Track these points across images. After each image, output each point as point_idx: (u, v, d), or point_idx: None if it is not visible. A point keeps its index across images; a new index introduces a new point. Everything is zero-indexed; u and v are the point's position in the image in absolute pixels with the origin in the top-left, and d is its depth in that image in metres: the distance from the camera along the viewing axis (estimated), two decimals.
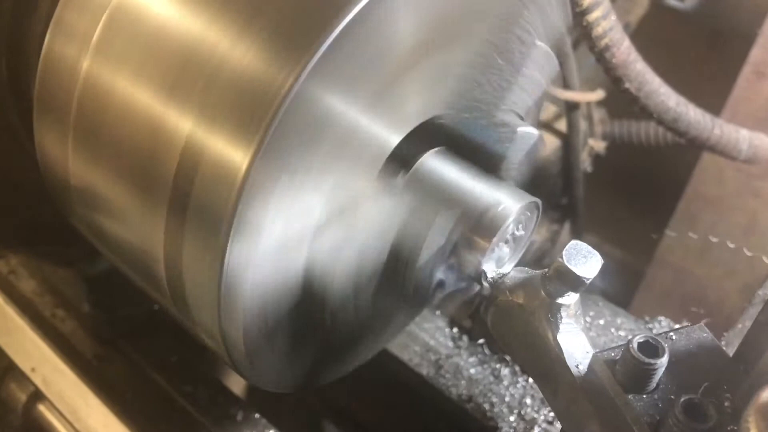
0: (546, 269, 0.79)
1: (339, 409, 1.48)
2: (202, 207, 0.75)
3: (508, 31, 0.85)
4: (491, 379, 1.32)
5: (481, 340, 1.35)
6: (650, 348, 0.69)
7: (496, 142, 0.86)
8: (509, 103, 0.88)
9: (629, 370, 0.69)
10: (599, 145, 2.12)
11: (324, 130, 0.75)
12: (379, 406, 1.42)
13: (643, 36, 2.07)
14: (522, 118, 0.92)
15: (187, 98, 0.75)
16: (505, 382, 1.31)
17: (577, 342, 0.77)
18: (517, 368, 1.31)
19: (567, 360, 0.76)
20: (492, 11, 0.84)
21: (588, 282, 0.75)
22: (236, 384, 1.41)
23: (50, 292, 1.42)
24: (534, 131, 0.88)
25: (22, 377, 1.36)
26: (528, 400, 1.28)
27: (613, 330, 1.35)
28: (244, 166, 0.71)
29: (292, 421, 1.46)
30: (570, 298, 0.78)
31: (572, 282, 0.75)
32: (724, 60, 2.18)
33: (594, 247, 0.75)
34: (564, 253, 0.75)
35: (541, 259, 1.90)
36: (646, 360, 0.68)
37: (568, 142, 2.01)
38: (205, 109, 0.74)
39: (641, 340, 0.69)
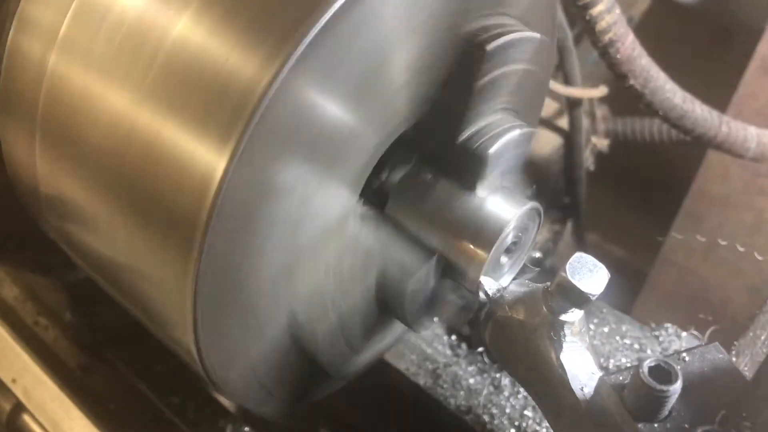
0: (548, 283, 0.73)
1: (334, 419, 1.43)
2: (174, 215, 0.69)
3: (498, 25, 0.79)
4: (491, 389, 1.27)
5: (480, 349, 1.30)
6: (662, 373, 0.63)
7: (491, 146, 0.80)
8: (504, 103, 0.82)
9: (639, 396, 0.64)
10: (602, 143, 2.07)
11: (305, 132, 0.69)
12: (375, 416, 1.37)
13: (646, 30, 2.02)
14: (519, 117, 0.86)
15: (160, 96, 0.69)
16: (506, 393, 1.26)
17: (581, 362, 0.72)
18: (510, 377, 1.25)
19: (571, 382, 0.71)
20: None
21: (594, 298, 0.69)
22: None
23: (32, 300, 1.37)
24: (530, 131, 0.82)
25: (4, 387, 1.32)
26: (529, 412, 1.22)
27: (617, 338, 1.30)
28: (219, 171, 0.65)
29: None
30: (574, 315, 0.72)
31: (576, 298, 0.69)
32: (729, 55, 2.14)
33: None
34: (567, 266, 0.69)
35: (543, 260, 1.85)
36: (658, 387, 0.62)
37: (570, 140, 1.96)
38: (178, 109, 0.69)
39: (652, 364, 0.64)
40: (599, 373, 0.71)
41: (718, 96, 1.91)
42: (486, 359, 1.30)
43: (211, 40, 0.68)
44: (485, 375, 1.28)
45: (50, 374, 1.28)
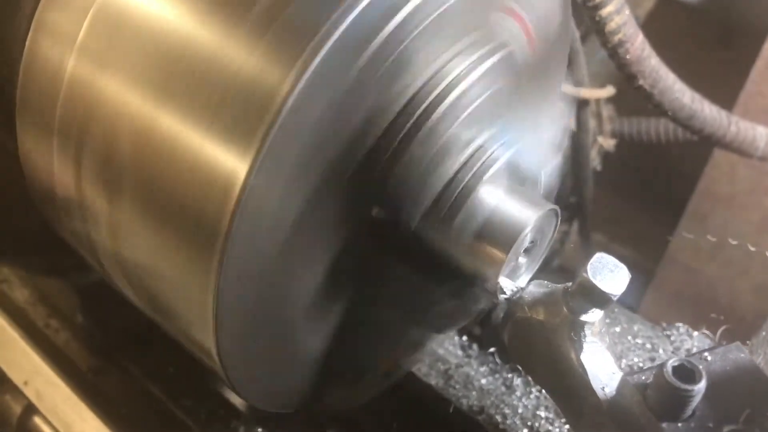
0: (569, 284, 0.73)
1: (345, 421, 1.43)
2: (197, 218, 0.69)
3: None
4: (503, 389, 1.27)
5: (492, 349, 1.30)
6: (686, 372, 0.63)
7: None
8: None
9: (663, 396, 0.64)
10: (608, 143, 2.07)
11: (325, 134, 0.70)
12: (387, 417, 1.36)
13: (651, 30, 2.02)
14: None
15: (180, 101, 0.70)
16: (518, 393, 1.26)
17: (602, 362, 0.72)
18: (530, 378, 1.25)
19: (592, 382, 0.71)
20: None
21: (615, 299, 0.69)
22: (238, 397, 1.36)
23: (43, 302, 1.37)
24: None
25: (16, 389, 1.32)
26: (542, 412, 1.22)
27: (629, 338, 1.30)
28: (240, 177, 0.65)
29: None
30: (594, 315, 0.72)
31: (598, 298, 0.69)
32: (735, 54, 2.14)
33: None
34: (588, 267, 0.69)
35: (551, 260, 1.85)
36: (683, 386, 0.62)
37: (576, 140, 1.96)
38: (198, 113, 0.69)
39: (676, 364, 0.64)
40: (620, 373, 0.71)
41: (724, 95, 1.91)
42: (497, 359, 1.30)
43: (234, 45, 0.68)
44: (497, 375, 1.28)
45: (62, 376, 1.28)
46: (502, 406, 1.25)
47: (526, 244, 0.82)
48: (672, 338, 1.31)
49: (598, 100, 1.98)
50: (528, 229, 0.80)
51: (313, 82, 0.65)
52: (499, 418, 1.24)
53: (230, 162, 0.66)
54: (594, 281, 0.69)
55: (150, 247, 0.76)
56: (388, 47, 0.70)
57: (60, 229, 0.92)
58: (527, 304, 0.76)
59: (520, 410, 1.24)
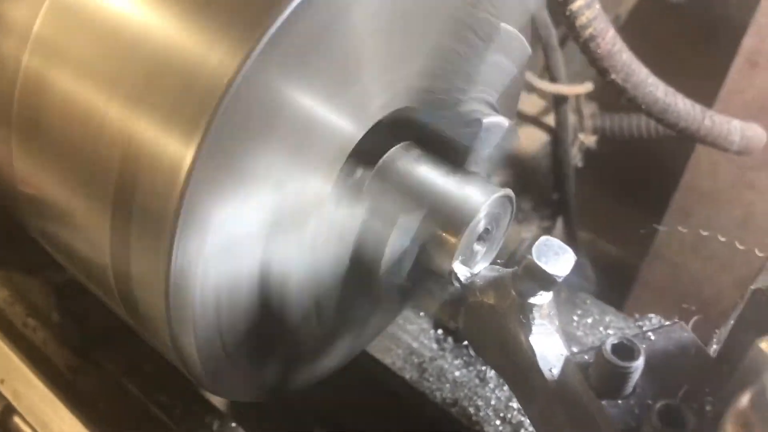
0: (516, 267, 0.74)
1: (321, 415, 1.44)
2: (146, 208, 0.70)
3: (471, 15, 0.80)
4: (476, 381, 1.28)
5: (466, 342, 1.31)
6: (625, 350, 0.64)
7: (464, 135, 0.81)
8: (477, 92, 0.83)
9: (603, 373, 0.65)
10: (590, 140, 2.08)
11: (275, 121, 0.70)
12: (362, 411, 1.37)
13: (633, 27, 2.04)
14: (494, 109, 0.87)
15: (129, 91, 0.71)
16: (491, 385, 1.27)
17: (551, 344, 0.73)
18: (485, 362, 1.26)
19: (540, 363, 0.71)
20: None
21: (560, 280, 0.70)
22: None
23: (21, 302, 1.38)
24: (503, 121, 0.83)
25: None
26: (514, 404, 1.23)
27: (601, 329, 1.31)
28: (187, 161, 0.66)
29: (271, 430, 1.42)
30: (543, 298, 0.73)
31: (543, 280, 0.70)
32: (715, 50, 2.14)
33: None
34: (534, 249, 0.70)
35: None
36: (620, 363, 0.63)
37: (556, 137, 1.97)
38: (147, 102, 0.70)
39: (615, 342, 0.65)
40: (567, 354, 0.72)
41: (707, 91, 1.92)
42: (472, 352, 1.31)
43: (180, 31, 0.69)
44: (471, 368, 1.29)
45: (39, 375, 1.28)
46: (475, 398, 1.26)
47: (480, 230, 0.83)
48: (644, 329, 1.32)
49: (578, 97, 1.99)
50: (481, 213, 0.81)
51: (253, 67, 0.66)
52: (472, 410, 1.25)
53: (176, 148, 0.67)
54: (539, 263, 0.70)
55: (105, 241, 0.77)
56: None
57: (26, 226, 0.92)
58: (478, 288, 0.77)
59: (493, 402, 1.25)
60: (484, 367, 1.28)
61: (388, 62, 0.77)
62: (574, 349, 0.86)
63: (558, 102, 1.91)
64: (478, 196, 0.81)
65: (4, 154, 0.82)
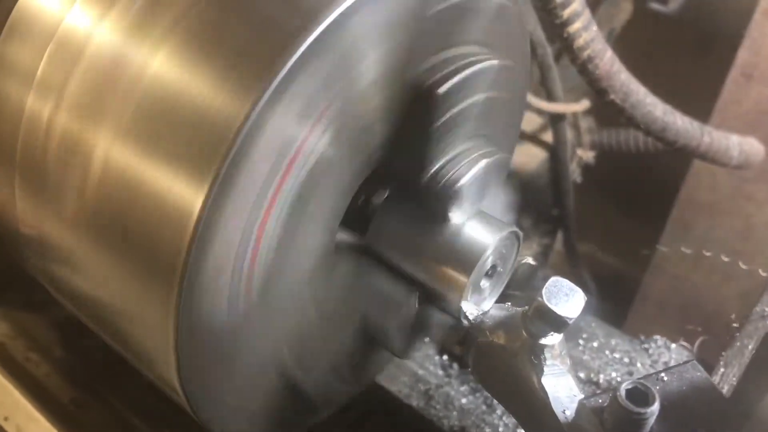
0: (526, 307, 0.74)
1: None
2: (154, 252, 0.69)
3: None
4: (483, 408, 1.27)
5: None
6: (639, 395, 0.64)
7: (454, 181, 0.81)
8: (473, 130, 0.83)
9: (618, 419, 0.65)
10: (588, 155, 2.08)
11: (281, 167, 0.70)
12: None
13: (628, 42, 2.04)
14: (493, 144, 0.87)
15: (136, 134, 0.70)
16: (498, 411, 1.26)
17: (563, 385, 0.72)
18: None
19: (553, 405, 0.71)
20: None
21: (571, 322, 0.70)
22: None
23: (23, 336, 1.37)
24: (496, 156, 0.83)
25: None
26: (522, 431, 1.22)
27: (607, 352, 1.30)
28: (197, 208, 0.66)
29: None
30: (554, 338, 0.73)
31: (554, 322, 0.70)
32: (710, 63, 2.15)
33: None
34: (544, 291, 0.70)
35: (537, 268, 1.85)
36: (636, 409, 0.63)
37: (555, 153, 1.97)
38: (155, 145, 0.69)
39: (629, 387, 0.64)
40: (581, 396, 0.71)
41: (702, 102, 1.92)
42: None
43: (187, 77, 0.69)
44: (477, 394, 1.29)
45: (43, 411, 1.27)
46: (482, 425, 1.25)
47: (488, 267, 0.82)
48: (650, 351, 1.31)
49: (575, 113, 2.00)
50: (489, 252, 0.81)
51: (263, 114, 0.66)
52: None
53: (186, 194, 0.67)
54: (549, 305, 0.69)
55: (109, 282, 0.76)
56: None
57: (26, 265, 0.92)
58: (488, 328, 0.77)
59: (501, 429, 1.25)
60: None
61: (378, 117, 0.77)
62: (580, 375, 0.86)
63: (555, 119, 1.91)
64: (485, 235, 0.81)
65: (7, 194, 0.82)
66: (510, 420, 1.25)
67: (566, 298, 0.70)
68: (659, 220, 2.15)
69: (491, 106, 0.85)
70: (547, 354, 0.73)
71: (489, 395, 1.28)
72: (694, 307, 2.10)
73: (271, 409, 0.86)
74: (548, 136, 1.99)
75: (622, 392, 0.64)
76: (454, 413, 1.27)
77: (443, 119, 0.78)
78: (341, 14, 0.67)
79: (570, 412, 0.70)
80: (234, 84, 0.67)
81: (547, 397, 0.71)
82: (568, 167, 2.01)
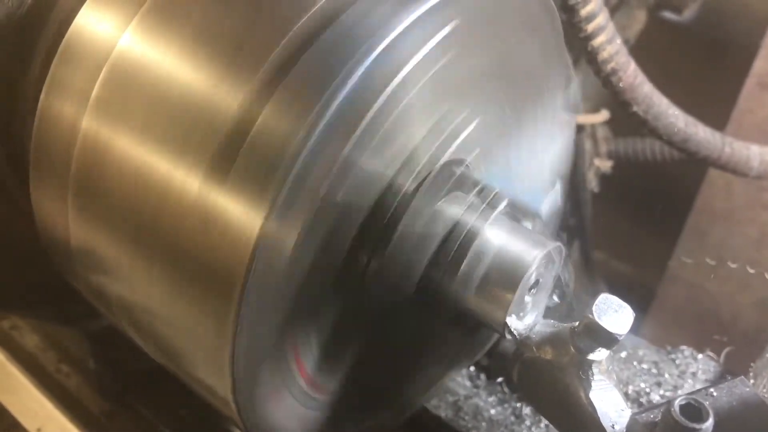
0: (575, 323, 0.75)
1: None
2: (212, 269, 0.71)
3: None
4: (512, 419, 1.28)
5: (500, 378, 1.32)
6: (693, 410, 0.65)
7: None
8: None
9: None
10: (605, 165, 2.09)
11: (335, 185, 0.72)
12: None
13: (642, 51, 2.05)
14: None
15: (194, 156, 0.72)
16: (527, 422, 1.27)
17: (610, 400, 0.73)
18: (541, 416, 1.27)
19: (601, 419, 0.72)
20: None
21: (621, 338, 0.71)
22: None
23: (54, 348, 1.39)
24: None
25: None
26: None
27: (635, 363, 1.31)
28: (257, 227, 0.67)
29: None
30: (602, 354, 0.74)
31: (604, 338, 0.71)
32: (726, 72, 2.16)
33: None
34: (594, 308, 0.71)
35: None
36: (691, 425, 0.64)
37: (573, 164, 1.98)
38: (214, 169, 0.71)
39: (683, 402, 0.65)
40: (628, 411, 0.73)
41: (717, 111, 1.93)
42: (506, 389, 1.31)
43: (246, 103, 0.71)
44: (506, 405, 1.29)
45: (75, 422, 1.29)
46: None
47: (531, 283, 0.83)
48: (677, 362, 1.32)
49: (592, 123, 2.01)
50: (532, 269, 0.82)
51: (323, 137, 0.68)
52: None
53: (245, 214, 0.68)
54: (600, 322, 0.71)
55: (166, 298, 0.78)
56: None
57: (72, 278, 0.93)
58: (535, 344, 0.78)
59: None
60: (519, 404, 1.29)
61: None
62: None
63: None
64: (531, 250, 0.82)
65: (59, 211, 0.84)
66: (539, 430, 1.26)
67: (615, 314, 0.71)
68: (675, 229, 2.16)
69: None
70: (595, 369, 0.74)
71: (517, 406, 1.29)
72: (711, 316, 2.11)
73: (313, 421, 0.87)
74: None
75: (676, 407, 0.65)
76: (483, 424, 1.28)
77: None
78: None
79: (619, 427, 0.71)
80: (293, 116, 0.69)
81: (596, 412, 0.72)
82: (586, 177, 2.03)
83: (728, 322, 2.07)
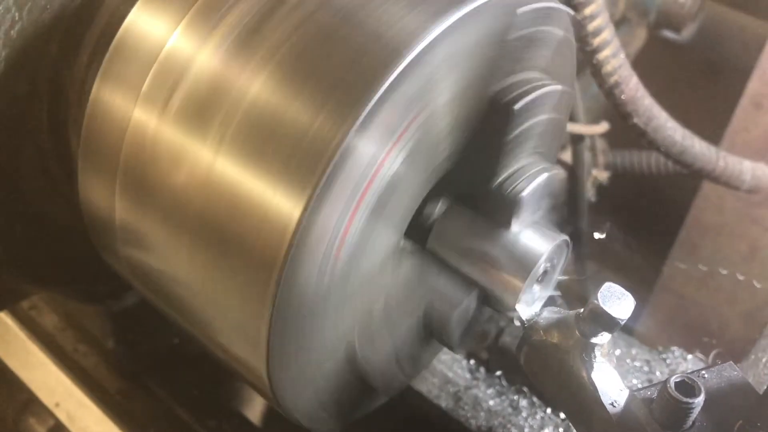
0: (580, 310, 0.82)
1: None
2: (254, 255, 0.77)
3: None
4: (510, 410, 1.34)
5: (498, 372, 1.38)
6: (687, 387, 0.72)
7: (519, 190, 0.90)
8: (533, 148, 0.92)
9: (667, 408, 0.72)
10: (603, 176, 2.16)
11: (365, 182, 0.78)
12: None
13: (641, 68, 2.12)
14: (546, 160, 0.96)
15: (238, 148, 0.78)
16: (524, 414, 1.33)
17: (610, 380, 0.80)
18: (536, 399, 1.33)
19: (602, 398, 0.79)
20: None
21: (623, 323, 0.78)
22: (259, 416, 1.43)
23: (72, 327, 1.44)
24: (554, 171, 0.92)
25: (42, 411, 1.37)
26: (547, 431, 1.30)
27: (628, 360, 1.38)
28: (296, 216, 0.73)
29: None
30: (604, 338, 0.81)
31: (607, 323, 0.78)
32: (721, 91, 2.23)
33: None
34: (599, 295, 0.78)
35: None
36: (685, 399, 0.71)
37: (573, 173, 2.04)
38: (256, 160, 0.77)
39: (678, 380, 0.72)
40: (627, 390, 0.79)
41: (711, 130, 1.99)
42: (504, 382, 1.37)
43: (288, 99, 0.77)
44: (504, 397, 1.36)
45: (92, 398, 1.34)
46: (509, 426, 1.32)
47: (540, 272, 0.90)
48: (668, 361, 1.39)
49: (592, 135, 2.07)
50: (543, 259, 0.89)
51: (356, 137, 0.74)
52: None
53: (286, 205, 0.74)
54: (604, 307, 0.77)
55: (207, 281, 0.83)
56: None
57: (110, 256, 0.98)
58: (542, 328, 0.85)
59: (526, 430, 1.32)
60: (516, 396, 1.35)
61: (452, 130, 0.85)
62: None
63: (575, 140, 1.98)
64: (541, 242, 0.89)
65: (107, 195, 0.89)
66: (535, 422, 1.33)
67: (618, 301, 0.78)
68: (667, 241, 2.21)
69: (549, 126, 0.94)
70: (597, 352, 0.81)
71: (514, 398, 1.35)
72: (699, 326, 2.16)
73: (338, 391, 0.93)
74: (566, 156, 2.06)
75: (672, 384, 0.72)
76: (482, 414, 1.34)
77: (513, 134, 0.86)
78: (426, 46, 0.75)
79: (618, 404, 0.78)
80: (331, 109, 0.75)
81: (597, 391, 0.79)
82: (585, 187, 2.09)
83: (716, 333, 2.12)
